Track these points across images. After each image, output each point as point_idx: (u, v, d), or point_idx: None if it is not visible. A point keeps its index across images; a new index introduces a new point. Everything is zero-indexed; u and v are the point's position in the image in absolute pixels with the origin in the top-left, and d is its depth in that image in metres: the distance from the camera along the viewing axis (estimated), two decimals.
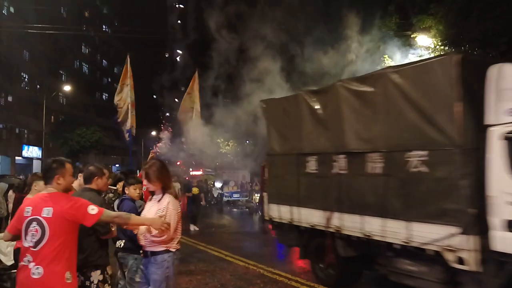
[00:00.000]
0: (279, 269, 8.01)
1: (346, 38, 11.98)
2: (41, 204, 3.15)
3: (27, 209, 3.18)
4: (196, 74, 16.13)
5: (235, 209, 22.31)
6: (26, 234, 3.12)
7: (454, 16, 12.64)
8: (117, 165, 51.13)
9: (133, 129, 14.23)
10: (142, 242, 3.93)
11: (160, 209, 3.87)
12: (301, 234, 7.18)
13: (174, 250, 3.91)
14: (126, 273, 4.73)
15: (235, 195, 24.27)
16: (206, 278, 7.49)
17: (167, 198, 3.91)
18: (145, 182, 4.14)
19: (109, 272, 4.09)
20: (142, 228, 3.85)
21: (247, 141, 29.47)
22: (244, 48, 13.77)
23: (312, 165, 6.78)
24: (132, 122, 14.80)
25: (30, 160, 36.81)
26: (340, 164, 6.15)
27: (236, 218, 17.81)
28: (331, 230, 6.30)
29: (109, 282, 4.02)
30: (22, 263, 3.11)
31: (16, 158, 35.06)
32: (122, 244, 4.68)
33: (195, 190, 14.62)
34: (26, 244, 3.12)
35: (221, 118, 14.11)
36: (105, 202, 4.69)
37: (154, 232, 3.75)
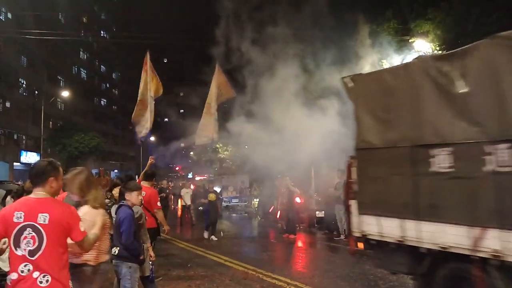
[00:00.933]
0: (278, 273, 7.97)
1: (346, 42, 12.05)
2: (35, 210, 2.96)
3: (17, 214, 2.94)
4: (218, 66, 13.12)
5: (234, 214, 22.27)
6: (17, 241, 2.91)
7: (451, 21, 12.73)
8: (115, 171, 51.02)
9: (139, 130, 11.86)
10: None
11: None
12: (418, 258, 5.10)
13: (94, 264, 3.80)
14: (121, 279, 4.72)
15: (234, 200, 24.23)
16: (205, 283, 7.45)
17: (83, 209, 3.79)
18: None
19: None
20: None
21: (246, 146, 29.53)
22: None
23: (442, 161, 4.75)
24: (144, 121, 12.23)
25: (28, 166, 36.60)
26: (500, 157, 4.18)
27: (235, 223, 17.78)
28: (481, 254, 4.28)
29: None
30: (19, 273, 2.89)
31: (14, 164, 35.02)
32: (117, 252, 4.66)
33: (212, 197, 13.72)
34: (19, 252, 2.91)
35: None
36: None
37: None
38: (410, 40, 13.74)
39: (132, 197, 4.90)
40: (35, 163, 3.33)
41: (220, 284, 7.39)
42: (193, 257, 9.97)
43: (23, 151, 36.28)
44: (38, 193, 3.06)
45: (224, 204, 23.92)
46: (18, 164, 35.58)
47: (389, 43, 13.81)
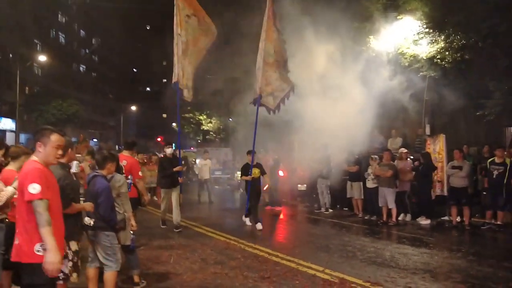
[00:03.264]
0: (260, 244, 8.10)
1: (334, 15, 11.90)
2: None
3: None
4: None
5: (216, 186, 22.36)
6: None
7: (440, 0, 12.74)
8: (95, 140, 50.25)
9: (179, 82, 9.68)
10: None
11: None
12: None
13: None
14: (99, 249, 4.72)
15: (217, 173, 24.27)
16: (187, 253, 7.51)
17: None
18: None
19: (72, 248, 4.09)
20: None
21: (230, 119, 29.39)
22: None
23: None
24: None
25: (3, 132, 35.76)
26: None
27: (218, 195, 17.84)
28: None
29: (70, 258, 3.97)
30: None
31: None
32: (92, 223, 4.62)
33: (255, 172, 10.40)
34: None
35: None
36: (68, 177, 4.24)
37: None
38: (398, 17, 13.69)
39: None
40: None
41: (202, 253, 7.46)
42: (175, 227, 10.00)
43: None
44: None
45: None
46: None
47: (377, 19, 13.75)
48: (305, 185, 14.18)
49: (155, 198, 14.59)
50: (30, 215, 3.05)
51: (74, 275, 4.16)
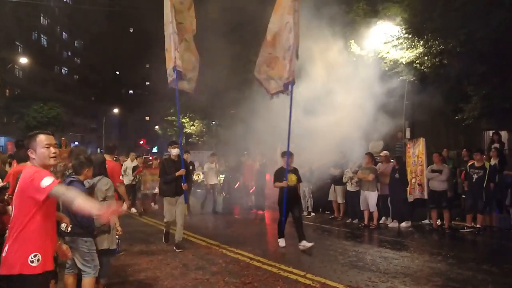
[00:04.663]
0: (242, 249, 8.08)
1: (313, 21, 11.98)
2: None
3: None
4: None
5: (199, 190, 22.20)
6: None
7: (419, 5, 12.95)
8: (76, 143, 49.50)
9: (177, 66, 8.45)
10: None
11: None
12: None
13: None
14: (77, 255, 4.66)
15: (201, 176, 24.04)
16: (168, 258, 7.46)
17: None
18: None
19: None
20: None
21: (213, 122, 29.34)
22: None
23: None
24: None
25: None
26: None
27: (199, 198, 17.71)
28: None
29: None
30: None
31: None
32: (69, 229, 4.50)
33: (292, 179, 8.44)
34: None
35: None
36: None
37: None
38: (377, 23, 13.87)
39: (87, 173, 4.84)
40: None
41: (183, 259, 7.41)
42: (156, 232, 9.91)
43: None
44: None
45: None
46: None
47: (358, 24, 13.91)
48: None
49: (155, 206, 14.32)
50: (27, 223, 2.95)
51: (53, 281, 4.09)
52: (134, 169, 13.51)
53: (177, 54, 8.41)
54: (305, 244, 8.11)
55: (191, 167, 12.54)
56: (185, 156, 11.28)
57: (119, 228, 5.45)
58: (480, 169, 9.82)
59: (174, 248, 8.04)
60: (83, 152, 5.72)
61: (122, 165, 14.15)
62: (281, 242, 8.47)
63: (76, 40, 60.78)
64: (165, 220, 8.37)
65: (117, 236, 5.44)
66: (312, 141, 11.79)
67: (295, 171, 8.70)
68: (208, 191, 14.11)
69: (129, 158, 14.06)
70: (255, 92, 11.48)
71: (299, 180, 8.72)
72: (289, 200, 8.33)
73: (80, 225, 4.57)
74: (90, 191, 4.92)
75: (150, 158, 15.65)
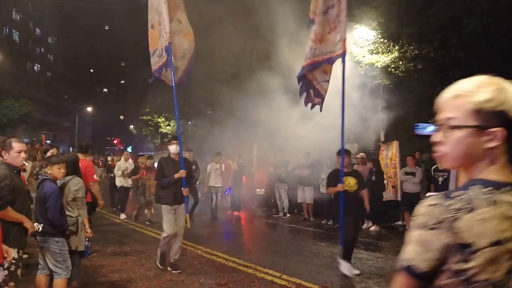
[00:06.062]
0: (217, 250, 8.03)
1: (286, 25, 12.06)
2: None
3: None
4: None
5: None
6: None
7: (395, 11, 13.19)
8: (48, 141, 48.27)
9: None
10: None
11: None
12: None
13: None
14: (49, 256, 4.54)
15: None
16: (142, 260, 7.34)
17: None
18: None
19: (11, 256, 3.85)
20: None
21: (189, 122, 29.10)
22: None
23: None
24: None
25: None
26: None
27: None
28: None
29: (6, 266, 3.80)
30: None
31: None
32: (41, 228, 4.44)
33: (351, 183, 6.70)
34: None
35: None
36: (10, 178, 3.94)
37: None
38: (354, 27, 14.05)
39: (54, 171, 4.65)
40: None
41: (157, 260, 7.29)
42: (130, 233, 9.76)
43: None
44: None
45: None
46: None
47: None
48: (263, 189, 14.22)
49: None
50: None
51: (11, 284, 3.95)
52: (135, 170, 11.87)
53: (170, 28, 6.62)
54: (344, 266, 6.45)
55: (194, 167, 10.68)
56: (187, 154, 10.06)
57: (88, 230, 5.31)
58: (444, 172, 9.98)
59: (169, 268, 6.63)
60: (46, 151, 5.63)
61: (115, 165, 13.32)
62: (346, 269, 6.39)
63: (49, 37, 59.32)
64: (163, 235, 6.57)
65: (86, 238, 5.32)
66: (287, 142, 11.85)
67: (355, 173, 6.98)
68: (207, 195, 12.63)
69: (122, 158, 12.77)
70: (233, 91, 11.46)
71: (361, 185, 6.83)
72: (347, 210, 6.30)
73: (51, 224, 4.45)
74: (61, 190, 4.80)
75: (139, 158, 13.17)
